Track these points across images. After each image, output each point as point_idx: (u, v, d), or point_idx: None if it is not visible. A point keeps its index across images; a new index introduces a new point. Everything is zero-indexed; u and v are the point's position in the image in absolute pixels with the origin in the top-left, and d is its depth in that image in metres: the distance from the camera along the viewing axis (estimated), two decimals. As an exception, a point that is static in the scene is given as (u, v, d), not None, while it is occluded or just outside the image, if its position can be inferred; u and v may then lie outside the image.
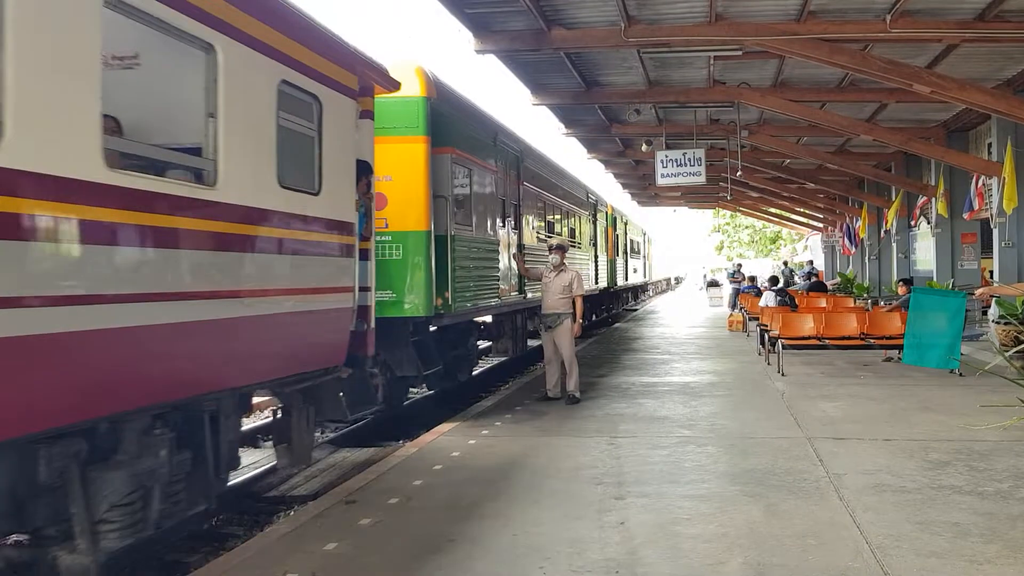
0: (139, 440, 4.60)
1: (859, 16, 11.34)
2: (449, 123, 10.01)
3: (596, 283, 22.80)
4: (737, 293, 26.10)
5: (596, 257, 22.86)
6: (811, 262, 37.91)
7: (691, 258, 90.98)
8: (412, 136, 9.25)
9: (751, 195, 33.14)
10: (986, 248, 19.24)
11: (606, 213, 25.35)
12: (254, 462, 8.48)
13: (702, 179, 18.46)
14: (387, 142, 8.58)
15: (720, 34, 11.74)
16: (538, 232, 14.92)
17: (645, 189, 33.11)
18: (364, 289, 6.92)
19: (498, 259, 11.99)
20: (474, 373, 13.39)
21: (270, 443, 7.58)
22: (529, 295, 13.48)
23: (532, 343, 15.97)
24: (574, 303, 10.40)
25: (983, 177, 16.37)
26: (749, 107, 17.06)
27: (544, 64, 14.60)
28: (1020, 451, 7.11)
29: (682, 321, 26.38)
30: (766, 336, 14.14)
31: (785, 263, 40.40)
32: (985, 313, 15.57)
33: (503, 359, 15.49)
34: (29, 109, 3.63)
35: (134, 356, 4.36)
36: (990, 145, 17.11)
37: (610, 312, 29.34)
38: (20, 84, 3.56)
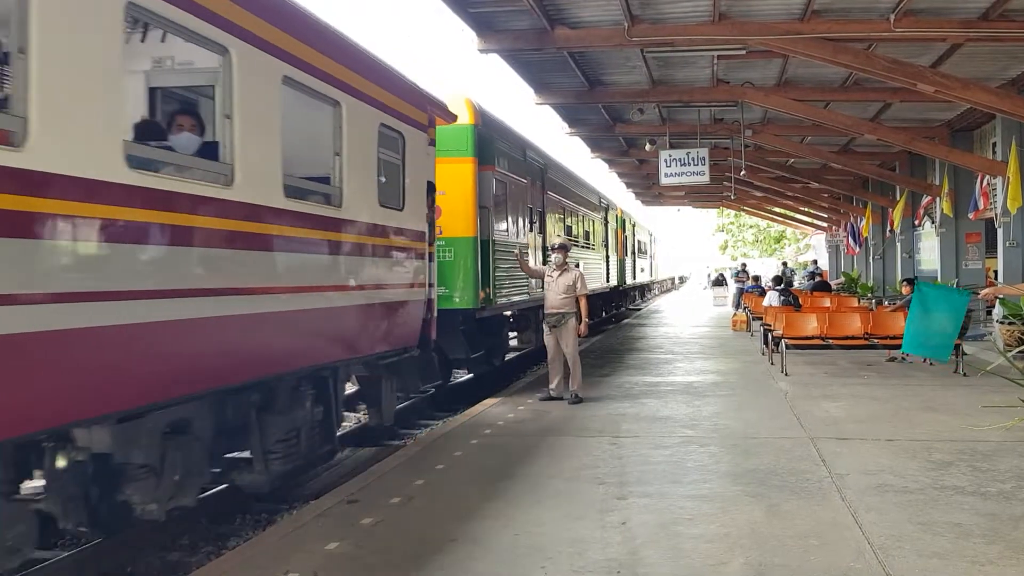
0: (291, 395, 6.29)
1: (863, 15, 11.32)
2: (490, 145, 11.81)
3: (607, 281, 24.36)
4: (741, 293, 26.11)
5: (607, 257, 24.42)
6: (815, 262, 37.91)
7: (695, 257, 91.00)
8: (462, 158, 11.08)
9: (755, 194, 33.12)
10: (990, 248, 19.18)
11: (616, 216, 26.81)
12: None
13: (706, 179, 18.44)
14: (442, 163, 9.81)
15: (724, 33, 11.73)
16: (560, 234, 16.35)
17: (649, 188, 33.11)
18: (429, 285, 8.65)
19: (528, 259, 13.37)
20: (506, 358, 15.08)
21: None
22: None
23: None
24: (578, 302, 10.40)
25: (988, 177, 16.35)
26: (753, 106, 17.05)
27: (547, 63, 14.60)
28: (1023, 451, 7.09)
29: (686, 320, 26.37)
30: (770, 336, 14.13)
31: (784, 263, 40.29)
32: (990, 313, 15.54)
33: (526, 349, 16.56)
34: (250, 167, 5.39)
35: (298, 330, 6.14)
36: (995, 144, 17.08)
37: (619, 309, 30.91)
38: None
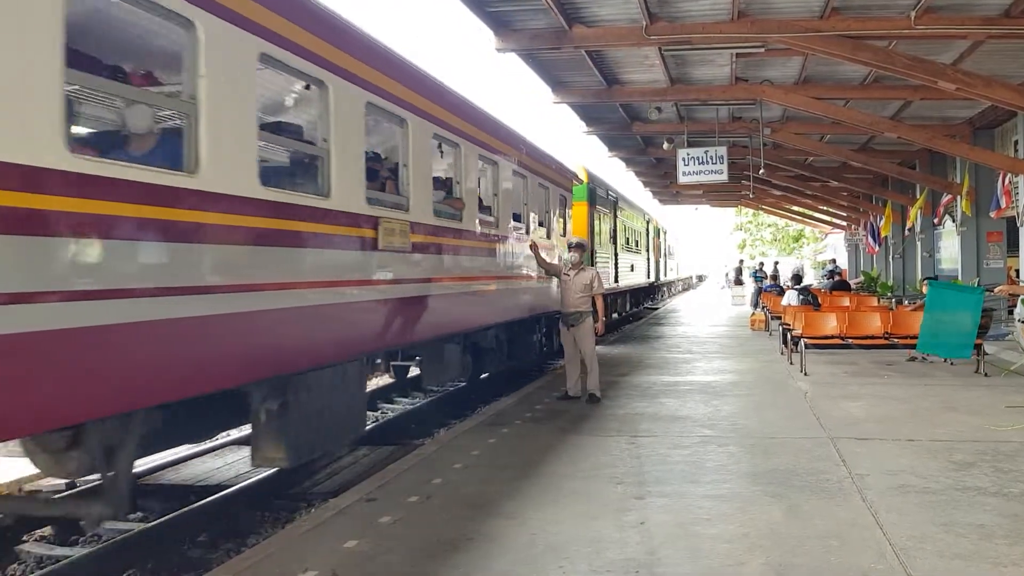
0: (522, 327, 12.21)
1: (883, 12, 11.22)
2: (594, 193, 19.28)
3: (648, 277, 31.39)
4: (759, 292, 25.97)
5: (648, 259, 31.27)
6: (834, 261, 37.63)
7: (714, 256, 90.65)
8: (582, 202, 17.97)
9: (774, 193, 32.93)
10: (1012, 247, 19.01)
11: (654, 226, 33.42)
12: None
13: (724, 177, 18.37)
14: (574, 206, 16.42)
15: (742, 31, 11.66)
16: (623, 246, 24.23)
17: (667, 187, 32.96)
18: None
19: (616, 262, 22.46)
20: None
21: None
22: (622, 283, 23.74)
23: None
24: (594, 302, 10.39)
25: (1010, 175, 16.17)
26: (772, 105, 16.95)
27: (565, 62, 14.58)
28: (1047, 452, 7.02)
29: (704, 320, 26.27)
30: (788, 335, 14.05)
31: (776, 262, 39.91)
32: (1011, 313, 15.38)
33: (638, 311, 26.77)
34: (343, 190, 6.54)
35: (481, 301, 10.29)
36: (1016, 142, 16.91)
37: (654, 300, 37.60)
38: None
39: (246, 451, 9.00)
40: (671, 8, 11.50)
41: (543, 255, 11.75)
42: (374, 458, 8.46)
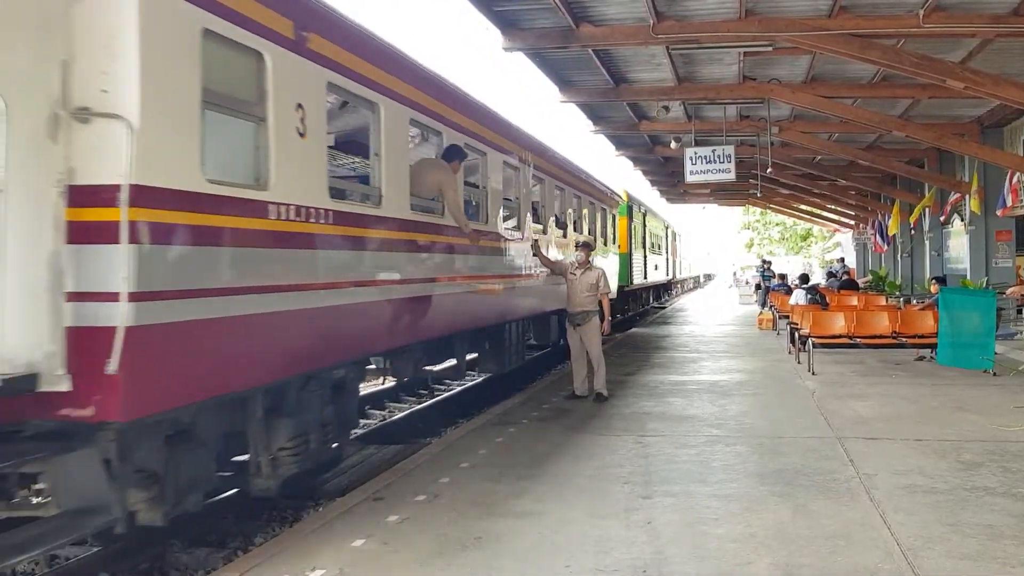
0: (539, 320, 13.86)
1: (891, 11, 11.18)
2: (631, 208, 24.38)
3: (667, 275, 37.28)
4: (767, 291, 25.90)
5: (667, 259, 36.62)
6: (842, 260, 37.50)
7: (721, 255, 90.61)
8: (623, 216, 23.10)
9: (781, 192, 32.85)
10: (1021, 246, 18.94)
11: (672, 231, 39.41)
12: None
13: (731, 176, 18.31)
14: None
15: (750, 30, 11.63)
16: (650, 248, 29.48)
17: (674, 186, 32.94)
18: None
19: (645, 262, 27.94)
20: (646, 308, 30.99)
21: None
22: (649, 279, 29.50)
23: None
24: (600, 301, 10.39)
25: (1018, 174, 16.11)
26: (780, 103, 16.91)
27: (572, 61, 14.58)
28: (1055, 452, 7.00)
29: (711, 319, 26.24)
30: (796, 335, 14.03)
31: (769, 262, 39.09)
32: (1020, 312, 15.34)
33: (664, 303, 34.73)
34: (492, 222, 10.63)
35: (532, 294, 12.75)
36: (1025, 141, 16.87)
37: (670, 294, 43.34)
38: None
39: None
40: (678, 7, 11.47)
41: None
42: (381, 457, 8.46)
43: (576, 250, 10.81)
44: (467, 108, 9.70)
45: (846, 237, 45.54)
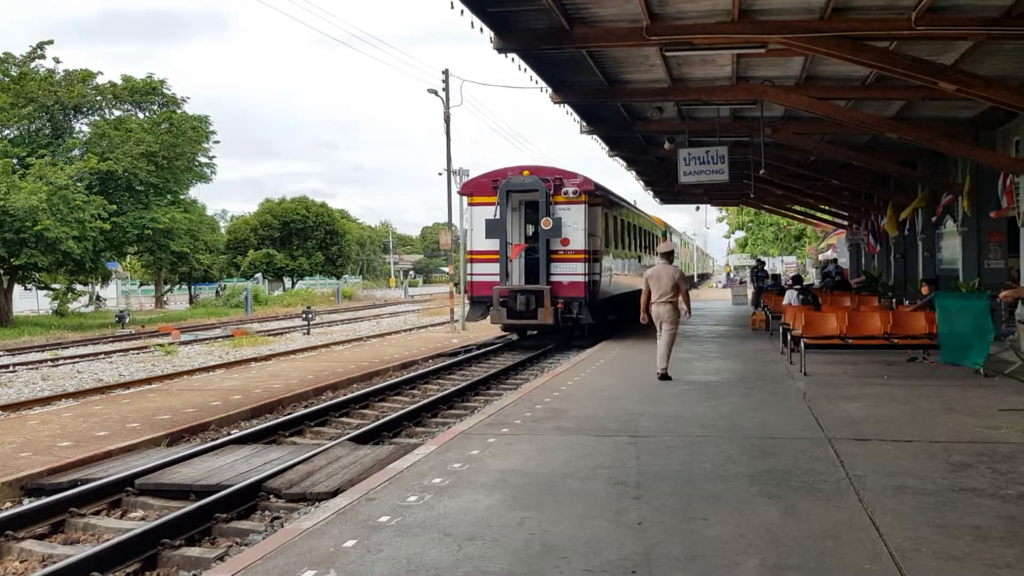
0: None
1: (883, 14, 11.21)
2: (665, 232, 39.19)
3: None
4: (760, 291, 25.98)
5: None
6: (835, 260, 37.60)
7: (714, 255, 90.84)
8: (664, 238, 34.36)
9: (775, 192, 32.90)
10: (1013, 247, 18.98)
11: (682, 239, 47.93)
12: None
13: (725, 177, 18.37)
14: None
15: (743, 32, 11.64)
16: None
17: (668, 187, 32.99)
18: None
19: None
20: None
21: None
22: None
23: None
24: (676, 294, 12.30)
25: (1011, 175, 16.17)
26: (773, 104, 16.95)
27: (565, 62, 14.60)
28: (1044, 454, 7.04)
29: (704, 319, 26.28)
30: (789, 335, 14.07)
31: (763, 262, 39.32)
32: (1011, 314, 15.39)
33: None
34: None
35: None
36: (1018, 142, 16.90)
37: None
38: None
39: (247, 450, 9.06)
40: (672, 8, 11.49)
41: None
42: (374, 458, 8.48)
43: (660, 256, 12.84)
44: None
45: (840, 239, 45.64)
